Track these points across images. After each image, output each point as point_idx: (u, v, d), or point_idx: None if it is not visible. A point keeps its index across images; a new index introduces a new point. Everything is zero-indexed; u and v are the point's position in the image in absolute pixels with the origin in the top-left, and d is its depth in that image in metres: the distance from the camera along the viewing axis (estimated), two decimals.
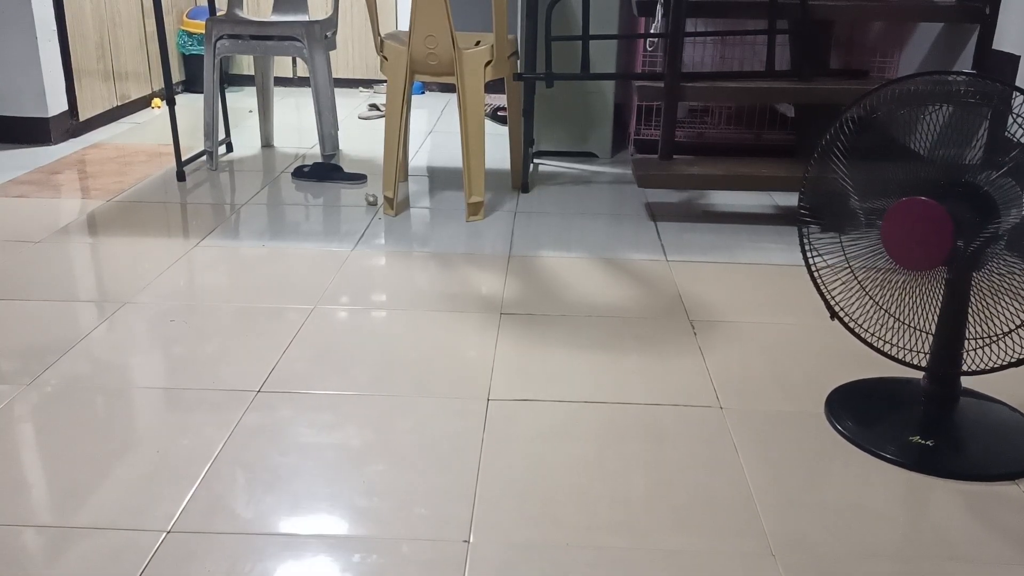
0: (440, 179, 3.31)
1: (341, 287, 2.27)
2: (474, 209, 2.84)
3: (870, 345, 1.67)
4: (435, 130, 4.14)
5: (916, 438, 1.59)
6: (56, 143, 3.72)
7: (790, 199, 3.13)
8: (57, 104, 3.73)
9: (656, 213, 2.95)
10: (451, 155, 3.68)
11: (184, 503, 1.40)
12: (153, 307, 2.12)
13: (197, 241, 2.58)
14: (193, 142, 3.69)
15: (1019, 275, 1.48)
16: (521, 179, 3.17)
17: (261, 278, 2.32)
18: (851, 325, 1.68)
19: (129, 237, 2.61)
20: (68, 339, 1.94)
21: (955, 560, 1.31)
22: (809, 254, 1.67)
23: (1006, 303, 1.52)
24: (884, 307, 1.63)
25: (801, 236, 1.67)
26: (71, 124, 3.83)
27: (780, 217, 2.94)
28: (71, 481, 1.45)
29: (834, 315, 1.67)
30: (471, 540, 1.33)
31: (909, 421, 1.65)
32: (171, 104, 3.18)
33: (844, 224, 1.61)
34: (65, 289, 2.22)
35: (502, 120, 4.23)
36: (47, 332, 1.98)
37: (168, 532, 1.33)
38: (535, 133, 3.53)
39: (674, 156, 2.93)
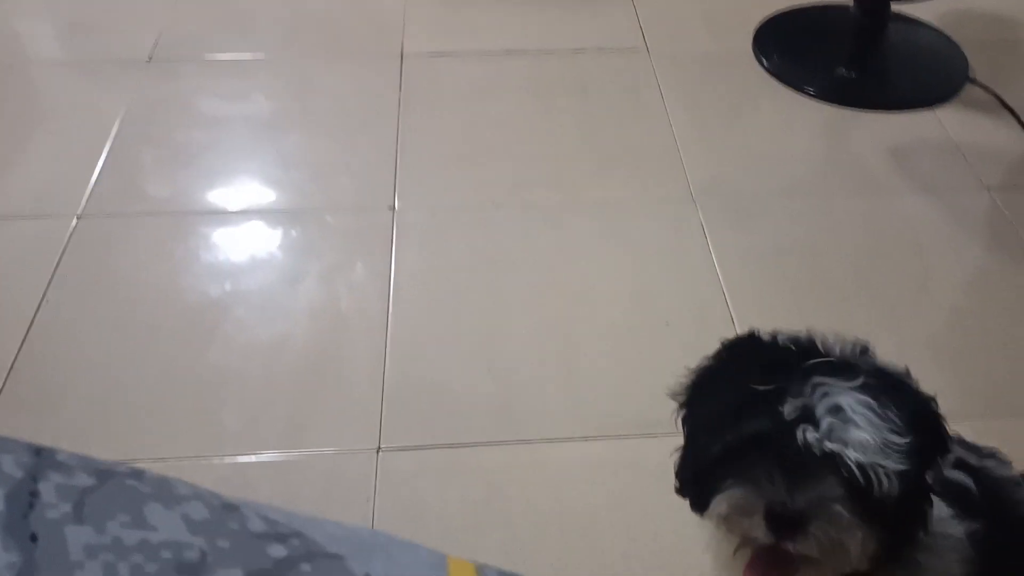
0: None
1: None
2: None
3: None
4: None
5: (841, 70, 1.57)
6: None
7: None
8: None
9: None
10: None
11: (89, 187, 1.33)
12: None
13: None
14: None
15: None
16: None
17: None
18: None
19: None
20: None
21: (862, 194, 1.35)
22: None
23: None
24: None
25: None
26: None
27: None
28: None
29: None
30: (396, 206, 1.31)
31: (836, 52, 1.61)
32: None
33: None
34: None
35: None
36: None
37: (79, 217, 1.28)
38: None
39: None
